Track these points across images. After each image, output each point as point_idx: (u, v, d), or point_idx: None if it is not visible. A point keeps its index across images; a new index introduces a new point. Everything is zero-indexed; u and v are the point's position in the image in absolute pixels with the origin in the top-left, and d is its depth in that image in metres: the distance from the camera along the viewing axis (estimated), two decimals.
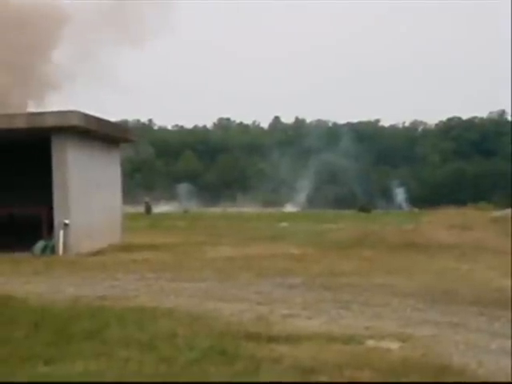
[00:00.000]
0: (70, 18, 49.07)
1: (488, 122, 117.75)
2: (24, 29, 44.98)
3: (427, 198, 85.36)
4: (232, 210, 73.46)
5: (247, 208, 76.98)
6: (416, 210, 70.08)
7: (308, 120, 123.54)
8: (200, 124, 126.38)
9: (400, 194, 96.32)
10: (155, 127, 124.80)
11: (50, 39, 49.06)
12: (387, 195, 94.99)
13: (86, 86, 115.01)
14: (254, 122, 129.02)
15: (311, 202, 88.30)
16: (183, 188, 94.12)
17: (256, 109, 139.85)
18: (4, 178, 21.78)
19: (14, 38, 44.19)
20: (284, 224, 38.01)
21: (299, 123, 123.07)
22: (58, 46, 50.91)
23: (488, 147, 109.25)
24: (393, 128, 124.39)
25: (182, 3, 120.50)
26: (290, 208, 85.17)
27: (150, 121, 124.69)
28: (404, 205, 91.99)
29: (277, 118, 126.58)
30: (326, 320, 8.80)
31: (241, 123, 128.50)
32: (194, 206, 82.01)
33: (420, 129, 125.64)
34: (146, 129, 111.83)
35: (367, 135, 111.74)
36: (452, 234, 21.43)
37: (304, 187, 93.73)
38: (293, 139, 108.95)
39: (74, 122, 18.74)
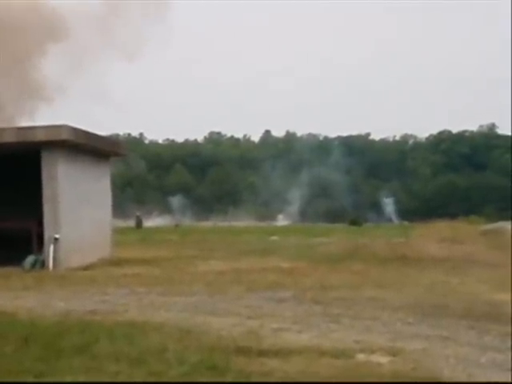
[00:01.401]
0: (61, 30, 49.03)
1: (478, 136, 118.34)
2: (14, 37, 44.75)
3: (418, 211, 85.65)
4: (223, 224, 73.33)
5: (239, 222, 76.90)
6: (406, 223, 70.27)
7: (299, 134, 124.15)
8: (191, 138, 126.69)
9: (389, 205, 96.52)
10: (146, 141, 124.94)
11: (41, 50, 48.96)
12: (378, 208, 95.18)
13: (77, 99, 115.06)
14: (244, 136, 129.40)
15: (303, 215, 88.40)
16: (176, 201, 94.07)
17: (247, 122, 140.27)
18: None
19: (3, 45, 43.92)
20: (274, 238, 38.00)
21: (290, 137, 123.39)
22: (48, 58, 50.84)
23: (478, 160, 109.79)
24: (383, 141, 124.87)
25: (174, 15, 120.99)
26: (281, 221, 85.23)
27: (141, 135, 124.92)
28: (394, 217, 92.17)
29: (268, 132, 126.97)
30: (316, 334, 8.78)
31: (232, 137, 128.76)
32: (186, 220, 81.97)
33: (410, 142, 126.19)
34: (137, 143, 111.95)
35: (358, 149, 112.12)
36: (442, 247, 21.45)
37: (295, 201, 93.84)
38: (284, 153, 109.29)
39: (64, 136, 18.71)
